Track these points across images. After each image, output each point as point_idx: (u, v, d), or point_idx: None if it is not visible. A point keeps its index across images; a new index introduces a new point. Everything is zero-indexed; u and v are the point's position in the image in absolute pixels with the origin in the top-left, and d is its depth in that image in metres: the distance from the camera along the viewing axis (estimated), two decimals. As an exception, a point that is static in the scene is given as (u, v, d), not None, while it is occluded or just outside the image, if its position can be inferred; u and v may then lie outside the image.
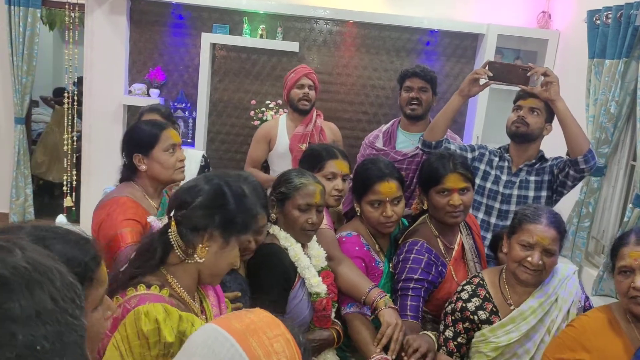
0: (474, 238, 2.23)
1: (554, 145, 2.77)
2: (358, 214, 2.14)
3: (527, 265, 1.81)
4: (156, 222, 1.55)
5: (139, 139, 2.15)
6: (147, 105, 2.91)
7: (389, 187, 2.03)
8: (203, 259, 1.36)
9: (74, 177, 4.35)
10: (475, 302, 1.90)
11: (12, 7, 4.61)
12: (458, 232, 2.18)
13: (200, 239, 1.35)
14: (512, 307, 1.88)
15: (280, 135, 3.21)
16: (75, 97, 4.35)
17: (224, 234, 1.36)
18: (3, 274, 0.59)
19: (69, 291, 0.64)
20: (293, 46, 4.27)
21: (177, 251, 1.37)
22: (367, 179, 2.07)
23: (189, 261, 1.37)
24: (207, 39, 4.22)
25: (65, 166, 4.31)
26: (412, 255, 2.02)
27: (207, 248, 1.35)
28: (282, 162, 3.20)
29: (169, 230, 1.39)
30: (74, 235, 1.00)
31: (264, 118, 4.29)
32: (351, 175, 2.28)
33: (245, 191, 1.43)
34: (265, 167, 3.35)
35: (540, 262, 1.79)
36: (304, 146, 3.13)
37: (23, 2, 4.60)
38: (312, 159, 2.24)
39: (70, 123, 4.52)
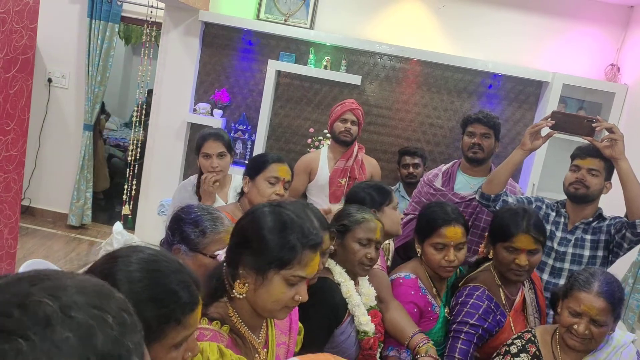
0: (536, 293, 2.20)
1: (613, 201, 2.71)
2: (419, 254, 2.16)
3: (573, 332, 1.77)
4: (222, 254, 1.53)
5: (253, 162, 2.36)
6: (212, 130, 2.90)
7: (454, 232, 2.05)
8: (242, 296, 1.30)
9: (134, 187, 4.52)
10: (524, 357, 1.87)
11: (93, 21, 4.90)
12: (521, 285, 2.16)
13: (237, 275, 1.32)
14: (562, 369, 1.85)
15: (321, 168, 3.28)
16: (144, 109, 4.54)
17: (257, 270, 1.29)
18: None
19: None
20: (355, 79, 4.35)
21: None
22: (434, 221, 2.08)
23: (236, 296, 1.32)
24: (273, 66, 4.34)
25: (126, 175, 4.49)
26: (472, 300, 2.02)
27: (245, 284, 1.30)
28: (320, 193, 3.26)
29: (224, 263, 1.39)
30: (184, 274, 1.02)
31: (320, 146, 4.36)
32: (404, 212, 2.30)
33: (283, 223, 1.31)
34: (303, 197, 3.41)
35: (586, 332, 1.74)
36: (343, 181, 3.19)
37: (103, 17, 4.89)
38: (380, 195, 2.24)
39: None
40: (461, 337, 1.97)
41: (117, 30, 4.99)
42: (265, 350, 1.40)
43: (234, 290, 1.31)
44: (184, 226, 1.72)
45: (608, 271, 1.88)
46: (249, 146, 4.52)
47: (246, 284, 1.30)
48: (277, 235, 1.29)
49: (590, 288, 1.75)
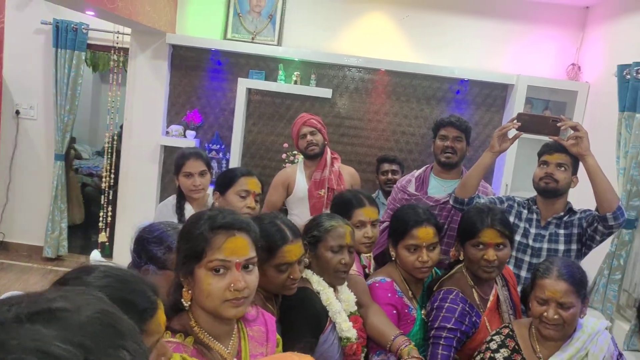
0: (510, 290, 2.23)
1: (582, 195, 2.78)
2: (393, 258, 2.18)
3: (545, 320, 1.81)
4: None
5: (222, 177, 2.38)
6: (191, 149, 2.84)
7: (426, 233, 2.07)
8: (188, 303, 1.31)
9: (109, 214, 4.47)
10: (504, 352, 1.89)
11: (59, 50, 4.87)
12: (494, 283, 2.19)
13: (181, 284, 1.32)
14: (541, 360, 1.88)
15: (298, 181, 3.29)
16: (116, 138, 4.51)
17: (185, 272, 1.30)
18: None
19: None
20: (326, 92, 4.40)
21: None
22: (405, 223, 2.11)
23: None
24: (244, 84, 4.37)
25: (101, 202, 4.44)
26: (447, 304, 2.03)
27: (188, 291, 1.30)
28: (300, 206, 3.27)
29: None
30: (137, 282, 1.01)
31: (295, 161, 4.38)
32: (381, 220, 2.31)
33: (195, 218, 1.33)
34: (284, 211, 3.42)
35: (556, 317, 1.78)
36: (322, 192, 3.20)
37: (69, 46, 4.86)
38: (340, 208, 2.27)
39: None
40: (441, 342, 1.97)
41: (84, 58, 4.96)
42: None
43: (182, 300, 1.30)
44: (148, 246, 1.68)
45: (565, 257, 1.92)
46: (224, 165, 4.51)
47: (189, 291, 1.30)
48: (188, 229, 1.31)
49: (550, 274, 1.82)
